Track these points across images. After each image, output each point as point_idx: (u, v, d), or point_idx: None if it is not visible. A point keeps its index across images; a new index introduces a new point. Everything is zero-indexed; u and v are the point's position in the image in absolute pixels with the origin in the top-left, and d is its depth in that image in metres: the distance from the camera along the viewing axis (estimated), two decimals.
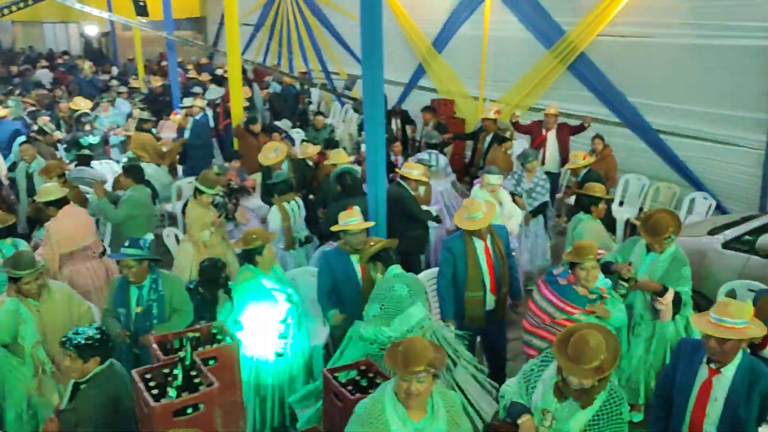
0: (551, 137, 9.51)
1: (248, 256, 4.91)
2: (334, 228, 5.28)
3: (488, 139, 9.91)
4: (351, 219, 5.24)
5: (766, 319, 5.09)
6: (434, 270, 6.16)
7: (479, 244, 5.33)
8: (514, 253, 6.07)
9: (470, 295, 5.32)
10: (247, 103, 12.14)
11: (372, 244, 4.75)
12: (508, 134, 9.22)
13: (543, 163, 9.30)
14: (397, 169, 7.25)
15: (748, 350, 5.13)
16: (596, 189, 6.20)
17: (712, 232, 6.70)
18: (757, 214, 7.22)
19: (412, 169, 6.93)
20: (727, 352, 3.60)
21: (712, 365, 3.69)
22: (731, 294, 5.91)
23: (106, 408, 3.72)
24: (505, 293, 5.45)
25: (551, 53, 10.97)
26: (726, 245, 6.38)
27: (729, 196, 8.81)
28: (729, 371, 3.63)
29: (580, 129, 9.58)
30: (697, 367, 3.73)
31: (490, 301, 5.42)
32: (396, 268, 4.64)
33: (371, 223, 5.49)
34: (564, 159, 9.36)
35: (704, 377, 3.69)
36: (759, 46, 8.11)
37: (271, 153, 8.10)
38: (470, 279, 5.29)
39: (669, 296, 4.99)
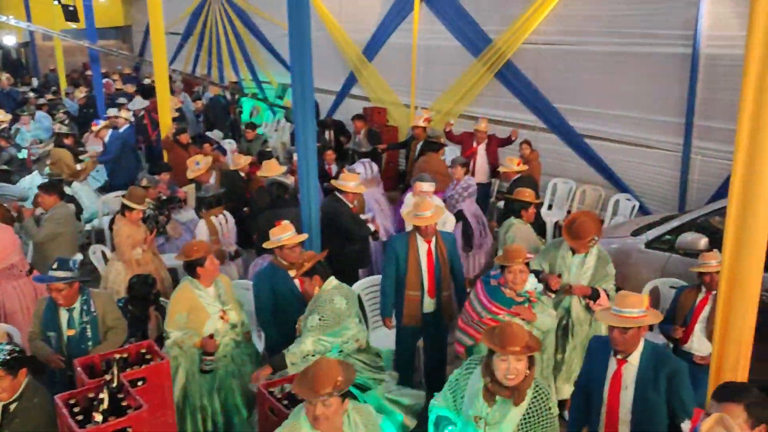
0: (481, 150, 9.74)
1: (189, 269, 4.80)
2: (266, 245, 5.19)
3: (419, 147, 10.01)
4: (284, 234, 5.16)
5: (686, 313, 5.42)
6: (375, 277, 6.22)
7: (422, 246, 5.44)
8: None
9: (409, 293, 5.44)
10: (176, 114, 11.90)
11: (305, 260, 4.69)
12: (442, 140, 9.34)
13: (473, 174, 9.49)
14: (333, 181, 7.19)
15: (671, 346, 5.40)
16: (526, 194, 6.39)
17: (636, 232, 6.92)
18: (676, 214, 7.50)
19: (348, 181, 6.89)
20: (628, 341, 3.84)
21: (619, 356, 3.91)
22: (655, 291, 6.17)
23: (50, 416, 3.59)
24: (447, 296, 5.53)
25: (479, 61, 11.17)
26: (648, 245, 6.60)
27: (651, 197, 9.15)
28: (634, 359, 3.87)
29: (507, 142, 9.80)
30: (606, 360, 3.96)
31: (428, 302, 5.51)
32: (333, 280, 4.64)
33: (304, 236, 5.46)
34: (494, 169, 9.64)
35: (614, 368, 3.91)
36: (677, 53, 8.46)
37: (196, 165, 7.97)
38: (410, 278, 5.41)
39: (604, 298, 5.21)
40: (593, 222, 5.28)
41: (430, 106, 12.38)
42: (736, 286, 3.44)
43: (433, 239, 5.50)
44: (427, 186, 7.08)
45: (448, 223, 7.19)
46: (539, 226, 7.56)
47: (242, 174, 8.52)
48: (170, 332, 4.64)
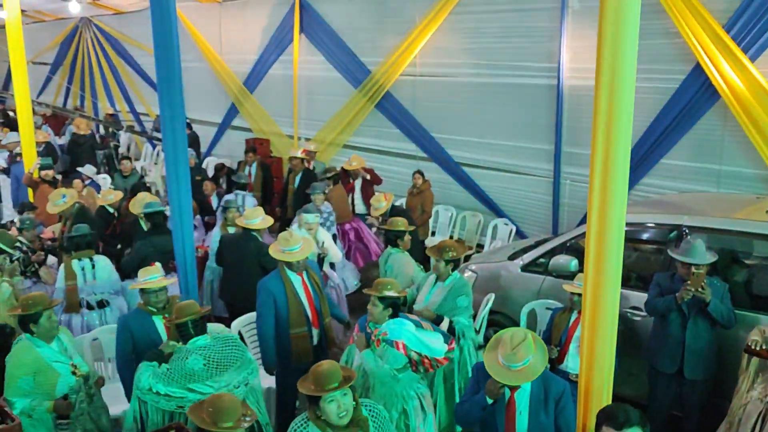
0: (357, 185, 9.83)
1: (23, 325, 4.39)
2: (132, 286, 4.91)
3: (298, 179, 9.93)
4: (150, 276, 4.93)
5: (561, 334, 5.59)
6: (251, 315, 6.04)
7: (296, 279, 5.37)
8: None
9: (295, 332, 5.31)
10: (41, 148, 11.24)
11: (180, 310, 4.40)
12: (337, 170, 9.37)
13: (353, 210, 9.55)
14: (239, 220, 6.97)
15: (548, 366, 5.53)
16: (398, 223, 6.46)
17: (513, 256, 7.11)
18: (550, 237, 7.79)
19: (255, 218, 6.75)
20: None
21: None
22: (532, 314, 6.33)
23: None
24: (328, 323, 5.49)
25: (359, 92, 11.29)
26: (524, 268, 6.77)
27: (526, 221, 9.49)
28: (526, 385, 3.90)
29: (375, 182, 9.93)
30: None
31: (316, 334, 5.44)
32: (202, 339, 4.28)
33: (172, 280, 5.24)
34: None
35: (507, 395, 3.94)
36: (544, 84, 8.88)
37: (59, 200, 7.51)
38: (293, 316, 5.28)
39: (444, 326, 5.28)
40: (456, 243, 5.62)
41: (313, 137, 12.36)
42: (598, 304, 3.57)
43: (304, 272, 5.45)
44: (312, 218, 7.05)
45: (334, 255, 7.23)
46: (423, 254, 7.66)
47: (111, 210, 8.13)
48: (14, 401, 4.19)
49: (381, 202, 8.03)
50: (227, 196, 9.19)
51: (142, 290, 4.94)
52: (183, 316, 4.30)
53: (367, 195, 9.70)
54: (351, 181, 9.82)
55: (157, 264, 5.27)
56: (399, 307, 4.83)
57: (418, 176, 9.43)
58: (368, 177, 9.75)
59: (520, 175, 9.44)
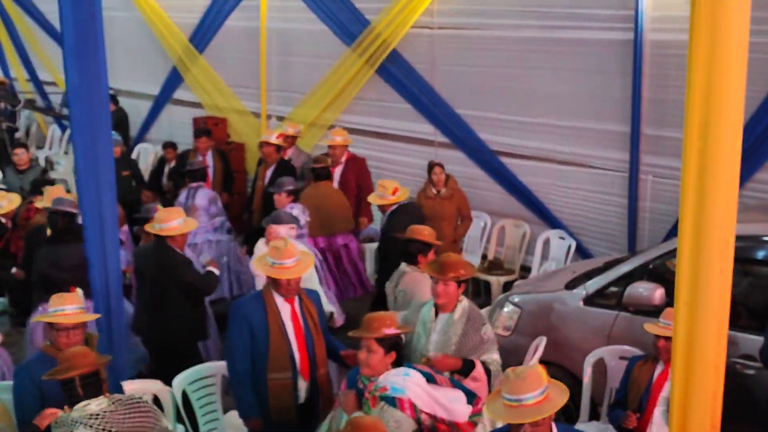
0: (337, 174, 9.80)
1: None
2: (37, 318, 4.96)
3: (270, 173, 9.96)
4: (63, 307, 5.00)
5: (642, 393, 5.58)
6: (209, 366, 6.08)
7: (284, 308, 5.47)
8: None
9: (275, 377, 5.39)
10: None
11: (66, 361, 4.40)
12: (329, 162, 9.36)
13: None
14: (148, 226, 7.03)
15: None
16: (425, 232, 6.52)
17: (572, 284, 7.08)
18: (624, 256, 7.74)
19: (168, 221, 6.83)
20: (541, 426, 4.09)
21: None
22: (599, 365, 6.32)
23: None
24: (323, 376, 5.55)
25: (354, 52, 11.34)
26: (588, 300, 6.75)
27: (591, 234, 9.50)
28: None
29: (363, 180, 10.00)
30: None
31: (303, 387, 5.52)
32: (95, 404, 4.29)
33: (93, 316, 5.28)
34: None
35: None
36: (618, 39, 8.85)
37: None
38: (273, 355, 5.39)
39: (480, 370, 5.33)
40: (463, 260, 5.76)
41: (288, 115, 12.38)
42: (694, 352, 3.54)
43: (296, 298, 5.54)
44: (286, 230, 7.10)
45: (314, 277, 7.29)
46: None
47: (2, 220, 8.20)
48: None
49: (386, 192, 8.07)
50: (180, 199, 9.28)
51: (49, 326, 4.95)
52: (68, 370, 4.33)
53: (344, 188, 9.65)
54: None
55: (78, 291, 5.29)
56: (402, 349, 4.89)
57: (439, 171, 9.24)
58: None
59: (581, 168, 9.43)
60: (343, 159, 9.84)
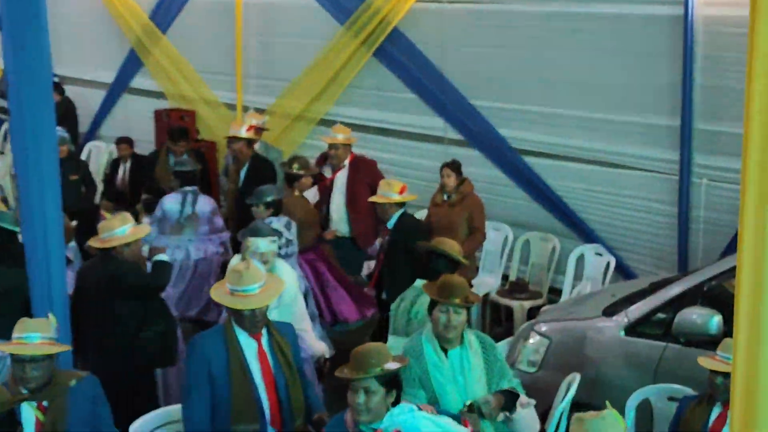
0: (341, 181, 9.71)
1: None
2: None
3: (243, 174, 9.98)
4: (25, 334, 5.08)
5: None
6: (173, 409, 6.04)
7: (249, 344, 5.44)
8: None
9: (240, 429, 5.39)
10: None
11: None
12: (295, 167, 9.31)
13: (328, 222, 9.64)
14: (92, 240, 7.05)
15: None
16: (454, 247, 6.63)
17: (610, 309, 7.06)
18: (673, 276, 7.73)
19: (113, 230, 6.85)
20: None
21: None
22: (644, 407, 6.29)
23: None
24: (301, 428, 5.55)
25: (348, 31, 11.38)
26: (630, 329, 6.74)
27: (633, 249, 9.50)
28: None
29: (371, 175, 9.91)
30: None
31: None
32: None
33: (59, 348, 5.27)
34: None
35: None
36: (665, 15, 8.86)
37: None
38: (237, 402, 5.37)
39: (525, 399, 5.46)
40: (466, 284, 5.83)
41: (271, 107, 12.43)
42: (756, 391, 3.51)
43: (265, 333, 5.50)
44: (265, 244, 7.11)
45: (298, 300, 7.32)
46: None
47: None
48: None
49: (392, 190, 8.13)
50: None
51: (12, 357, 5.04)
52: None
53: (355, 198, 9.62)
54: (329, 173, 9.82)
55: (51, 316, 5.36)
56: (401, 386, 4.93)
57: (447, 173, 9.27)
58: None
59: (622, 170, 9.44)
60: (347, 161, 9.75)
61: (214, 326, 5.72)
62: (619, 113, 9.34)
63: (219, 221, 9.56)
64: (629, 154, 9.36)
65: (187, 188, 9.47)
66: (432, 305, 5.56)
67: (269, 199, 8.48)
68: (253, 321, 5.40)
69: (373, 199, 8.53)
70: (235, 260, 7.46)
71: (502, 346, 7.25)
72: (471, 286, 6.66)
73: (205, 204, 9.52)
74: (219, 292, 5.51)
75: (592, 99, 9.51)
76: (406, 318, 6.50)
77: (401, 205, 8.31)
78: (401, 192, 8.19)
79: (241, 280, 5.38)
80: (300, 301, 7.41)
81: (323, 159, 10.15)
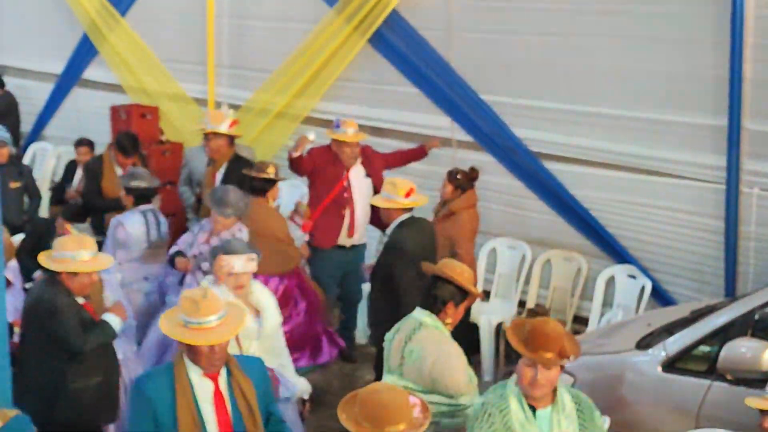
0: (357, 179, 9.79)
1: None
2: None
3: (220, 176, 10.01)
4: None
5: None
6: None
7: (203, 387, 5.39)
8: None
9: None
10: None
11: None
12: (270, 172, 9.29)
13: (351, 234, 9.69)
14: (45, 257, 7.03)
15: None
16: (466, 275, 6.42)
17: (645, 341, 7.08)
18: (720, 302, 7.71)
19: (64, 250, 6.77)
20: None
21: None
22: None
23: None
24: None
25: (339, 15, 11.44)
26: (669, 365, 6.75)
27: (672, 270, 9.53)
28: None
29: (412, 156, 10.12)
30: None
31: None
32: None
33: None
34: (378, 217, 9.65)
35: None
36: None
37: None
38: None
39: None
40: (563, 331, 5.46)
41: (246, 102, 12.51)
42: None
43: (224, 371, 5.43)
44: (241, 263, 7.07)
45: (279, 333, 7.34)
46: (465, 332, 7.68)
47: None
48: None
49: (397, 192, 8.07)
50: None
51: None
52: None
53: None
54: (342, 174, 9.79)
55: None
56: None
57: (444, 182, 9.45)
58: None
59: (659, 177, 9.48)
60: (359, 162, 9.82)
61: (163, 364, 5.62)
62: (656, 111, 9.36)
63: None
64: (668, 159, 9.38)
65: (145, 207, 9.40)
66: (515, 354, 5.46)
67: (229, 211, 8.44)
68: (212, 358, 5.32)
69: (374, 202, 8.56)
70: (205, 283, 7.42)
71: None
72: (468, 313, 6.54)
73: (167, 225, 9.54)
74: (170, 324, 5.41)
75: (624, 94, 9.55)
76: (399, 356, 6.38)
77: (409, 209, 8.22)
78: (408, 195, 8.10)
79: (198, 311, 5.29)
80: (281, 332, 7.43)
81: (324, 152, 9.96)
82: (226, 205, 8.40)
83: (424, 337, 6.25)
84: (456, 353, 6.25)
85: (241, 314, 5.65)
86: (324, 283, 9.59)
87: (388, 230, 8.26)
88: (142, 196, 9.40)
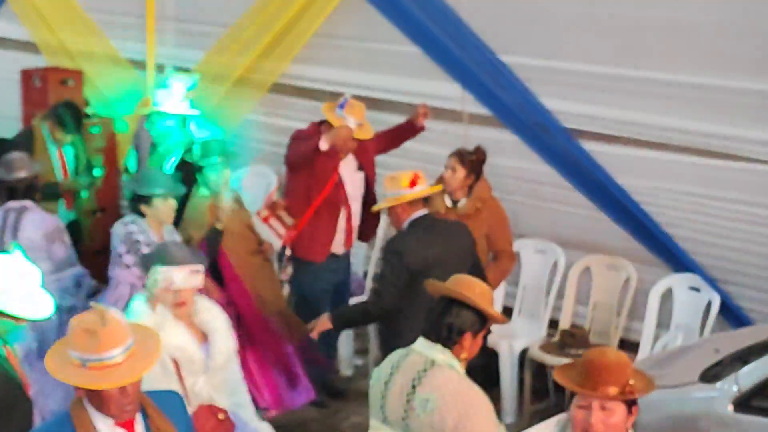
0: (349, 172, 9.85)
1: None
2: None
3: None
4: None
5: None
6: None
7: None
8: None
9: None
10: None
11: None
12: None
13: (349, 241, 9.83)
14: None
15: None
16: (483, 292, 6.33)
17: (713, 372, 7.17)
18: None
19: None
20: None
21: None
22: None
23: None
24: None
25: None
26: (742, 402, 6.81)
27: (747, 282, 9.53)
28: None
29: (403, 133, 10.18)
30: None
31: None
32: None
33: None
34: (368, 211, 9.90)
35: None
36: None
37: None
38: None
39: None
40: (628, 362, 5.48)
41: (197, 65, 12.64)
42: None
43: (139, 416, 5.39)
44: (184, 276, 7.08)
45: (232, 363, 7.38)
46: (480, 360, 7.65)
47: None
48: None
49: (400, 186, 8.03)
50: None
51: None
52: None
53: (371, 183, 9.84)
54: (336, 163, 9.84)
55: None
56: None
57: (454, 165, 9.36)
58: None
59: (731, 162, 9.49)
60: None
61: (60, 413, 5.51)
62: (727, 76, 9.35)
63: (59, 248, 9.50)
64: (742, 137, 9.38)
65: (14, 203, 9.38)
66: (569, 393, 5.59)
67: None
68: (122, 404, 5.23)
69: (379, 207, 8.61)
70: (137, 305, 7.38)
71: (551, 428, 7.27)
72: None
73: (34, 227, 9.37)
74: (60, 364, 5.27)
75: (685, 54, 9.56)
76: (403, 405, 6.28)
77: (422, 202, 8.20)
78: (413, 184, 8.06)
79: (97, 344, 5.16)
80: (236, 362, 7.49)
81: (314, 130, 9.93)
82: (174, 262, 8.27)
83: (440, 382, 6.18)
84: (482, 401, 6.21)
85: (153, 340, 5.49)
86: (316, 304, 9.65)
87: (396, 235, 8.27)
88: (9, 190, 9.47)
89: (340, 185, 9.80)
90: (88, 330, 5.14)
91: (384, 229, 10.36)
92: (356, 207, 9.89)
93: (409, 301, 7.82)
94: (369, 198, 9.95)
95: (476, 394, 6.17)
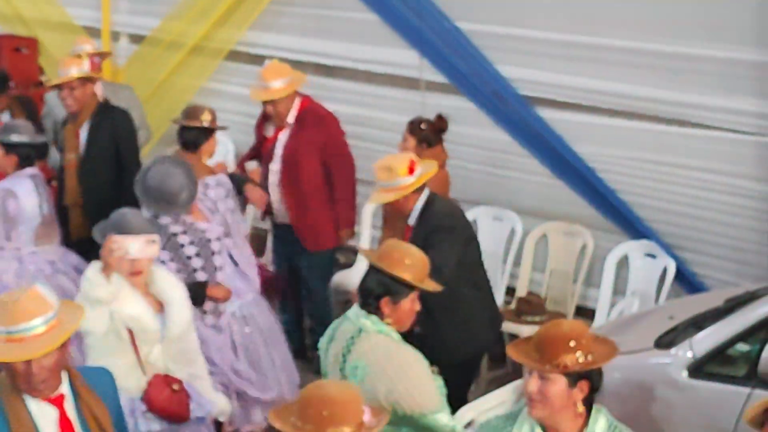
0: (281, 144, 9.74)
1: None
2: None
3: (84, 135, 9.88)
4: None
5: None
6: None
7: (45, 415, 5.31)
8: None
9: None
10: None
11: None
12: (204, 119, 9.26)
13: (267, 209, 9.75)
14: None
15: None
16: (404, 256, 6.28)
17: (668, 339, 7.17)
18: (763, 287, 7.79)
19: None
20: None
21: None
22: None
23: None
24: None
25: None
26: (695, 369, 6.83)
27: (703, 248, 9.58)
28: None
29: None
30: None
31: None
32: None
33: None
34: None
35: None
36: None
37: None
38: None
39: None
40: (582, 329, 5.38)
41: (153, 31, 12.61)
42: None
43: (69, 393, 5.34)
44: (139, 246, 6.99)
45: (189, 333, 7.33)
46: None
47: None
48: None
49: (398, 174, 7.82)
50: None
51: None
52: None
53: (296, 170, 9.64)
54: (270, 132, 9.87)
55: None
56: None
57: (405, 136, 9.40)
58: None
59: (690, 129, 9.53)
60: (292, 117, 9.68)
61: None
62: (689, 44, 9.36)
63: None
64: (699, 104, 9.40)
65: (32, 171, 9.24)
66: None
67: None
68: (30, 380, 5.16)
69: (377, 201, 8.42)
70: (91, 271, 7.33)
71: (507, 395, 7.24)
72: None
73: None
74: None
75: (644, 22, 9.57)
76: (337, 374, 6.34)
77: (422, 189, 8.04)
78: (411, 170, 7.91)
79: (11, 316, 5.10)
80: (193, 332, 7.45)
81: (264, 118, 10.02)
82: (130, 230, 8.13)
83: (366, 348, 6.23)
84: (414, 359, 6.25)
85: (75, 315, 5.38)
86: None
87: (411, 219, 8.06)
88: (28, 157, 9.21)
89: (270, 153, 9.80)
90: (2, 301, 5.16)
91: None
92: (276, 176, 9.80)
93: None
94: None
95: (407, 355, 6.22)
